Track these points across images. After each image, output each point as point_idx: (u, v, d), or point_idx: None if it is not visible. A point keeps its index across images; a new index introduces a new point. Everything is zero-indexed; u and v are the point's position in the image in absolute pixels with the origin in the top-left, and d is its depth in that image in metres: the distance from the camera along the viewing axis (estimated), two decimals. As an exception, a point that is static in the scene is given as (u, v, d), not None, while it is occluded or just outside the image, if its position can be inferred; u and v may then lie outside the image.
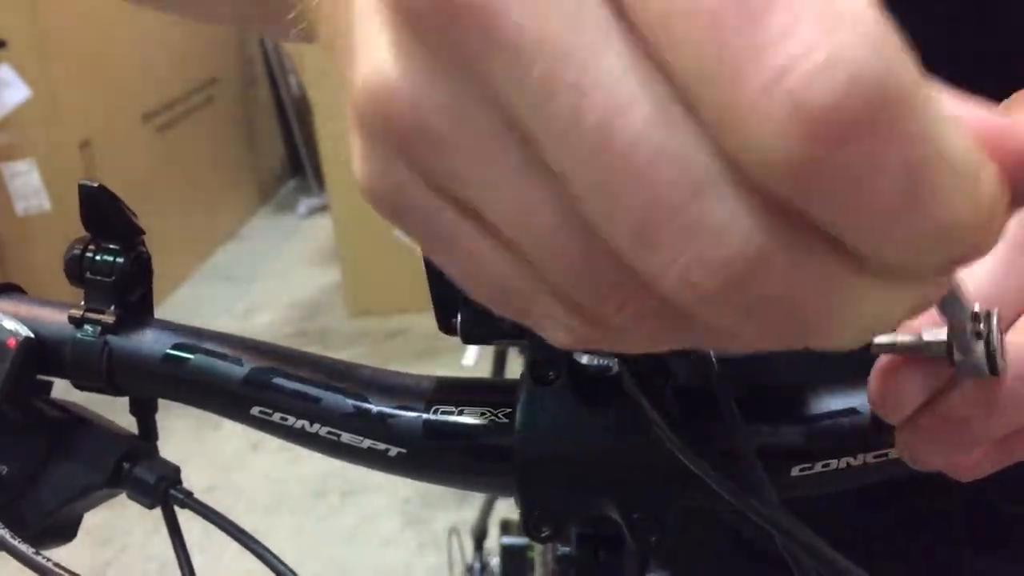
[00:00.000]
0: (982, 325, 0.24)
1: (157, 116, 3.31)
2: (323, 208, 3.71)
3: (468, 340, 0.34)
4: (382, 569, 1.97)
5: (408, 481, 0.35)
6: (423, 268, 0.29)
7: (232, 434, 2.22)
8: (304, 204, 3.94)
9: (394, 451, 0.34)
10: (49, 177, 2.74)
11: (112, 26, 3.04)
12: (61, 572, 0.33)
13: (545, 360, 0.32)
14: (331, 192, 3.12)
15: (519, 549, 1.11)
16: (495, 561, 1.35)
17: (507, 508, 1.42)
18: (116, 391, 0.36)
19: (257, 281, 3.40)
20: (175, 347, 0.35)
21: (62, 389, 0.39)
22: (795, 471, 0.32)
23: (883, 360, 0.27)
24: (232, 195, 3.84)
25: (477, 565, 1.39)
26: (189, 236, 3.35)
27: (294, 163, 4.18)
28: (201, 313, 2.91)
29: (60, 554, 0.36)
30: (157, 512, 0.38)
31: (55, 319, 0.36)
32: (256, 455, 2.29)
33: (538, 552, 1.00)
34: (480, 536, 1.40)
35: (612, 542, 0.37)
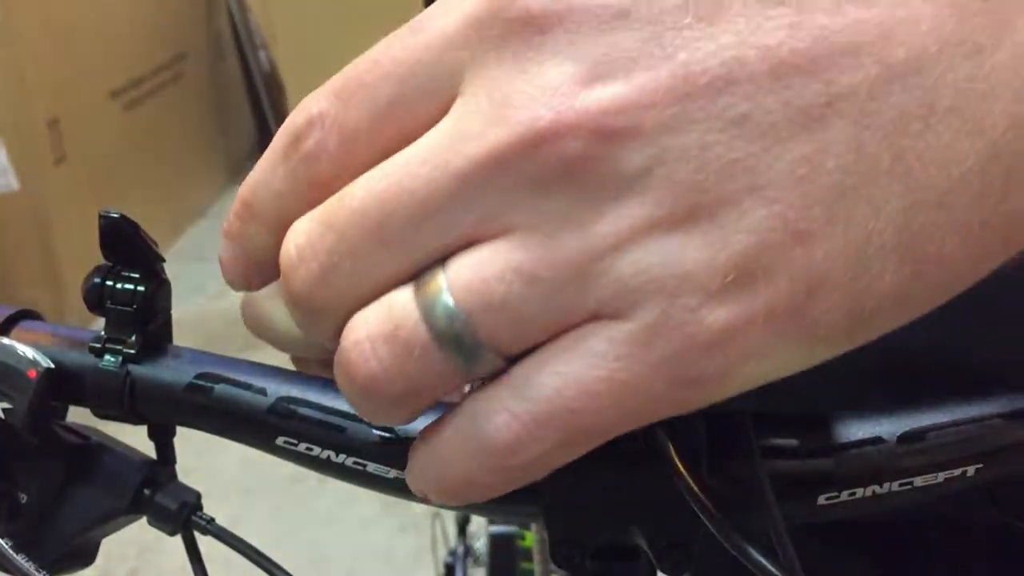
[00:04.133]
0: None
1: (125, 93, 3.27)
2: (295, 186, 3.69)
3: None
4: (362, 552, 1.98)
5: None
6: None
7: (208, 417, 2.21)
8: (275, 181, 3.92)
9: (420, 479, 0.34)
10: (16, 156, 2.70)
11: (78, 2, 3.00)
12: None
13: None
14: (303, 170, 3.09)
15: (507, 538, 1.12)
16: (479, 544, 1.36)
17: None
18: (138, 420, 0.36)
19: (229, 260, 3.38)
20: (198, 376, 0.35)
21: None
22: (822, 499, 0.32)
23: None
24: (202, 172, 3.80)
25: (461, 549, 1.40)
26: (158, 215, 3.32)
27: (264, 140, 4.14)
28: (174, 294, 2.88)
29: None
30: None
31: (75, 348, 0.35)
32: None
33: (535, 541, 1.01)
34: (464, 520, 1.41)
35: (627, 555, 0.37)
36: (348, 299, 0.23)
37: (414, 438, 0.34)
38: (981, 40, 0.20)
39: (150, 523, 0.37)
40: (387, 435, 0.33)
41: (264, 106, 4.00)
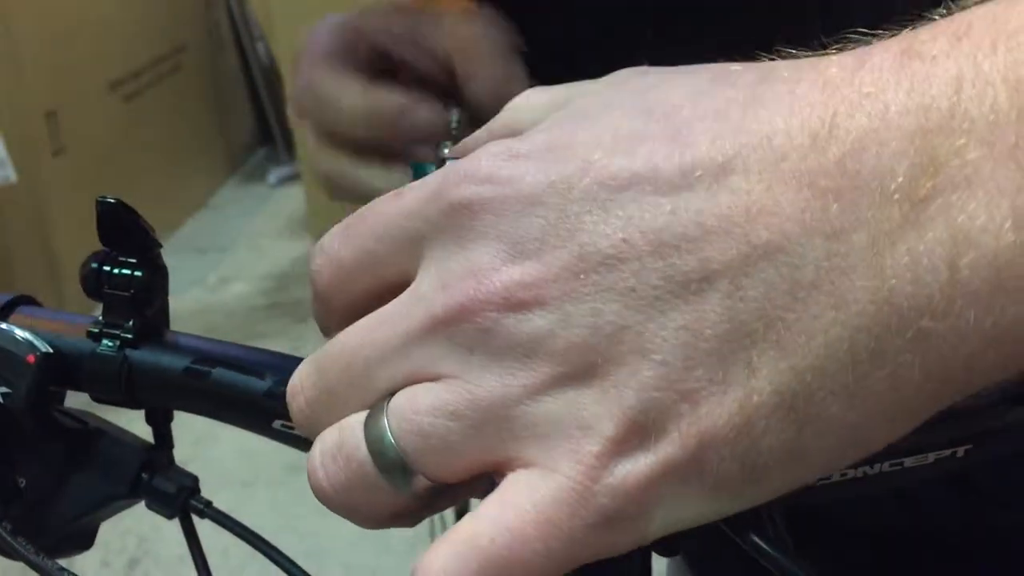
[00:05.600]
0: None
1: (124, 85, 3.27)
2: (294, 177, 3.68)
3: None
4: (360, 542, 1.99)
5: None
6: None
7: (207, 408, 2.22)
8: (274, 173, 3.91)
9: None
10: (14, 147, 2.70)
11: (77, -7, 2.99)
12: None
13: None
14: (302, 161, 3.10)
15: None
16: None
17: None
18: (136, 404, 0.36)
19: (228, 252, 3.38)
20: (196, 360, 0.35)
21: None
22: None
23: None
24: (201, 164, 3.80)
25: (459, 539, 1.40)
26: (157, 206, 3.32)
27: (263, 131, 4.14)
28: (172, 285, 2.88)
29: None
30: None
31: (73, 333, 0.36)
32: (229, 429, 2.28)
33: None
34: (462, 510, 1.41)
35: None
36: (328, 423, 0.27)
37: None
38: (839, 223, 0.23)
39: (148, 507, 0.38)
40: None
41: (262, 97, 4.00)
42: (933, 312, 0.22)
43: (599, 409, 0.24)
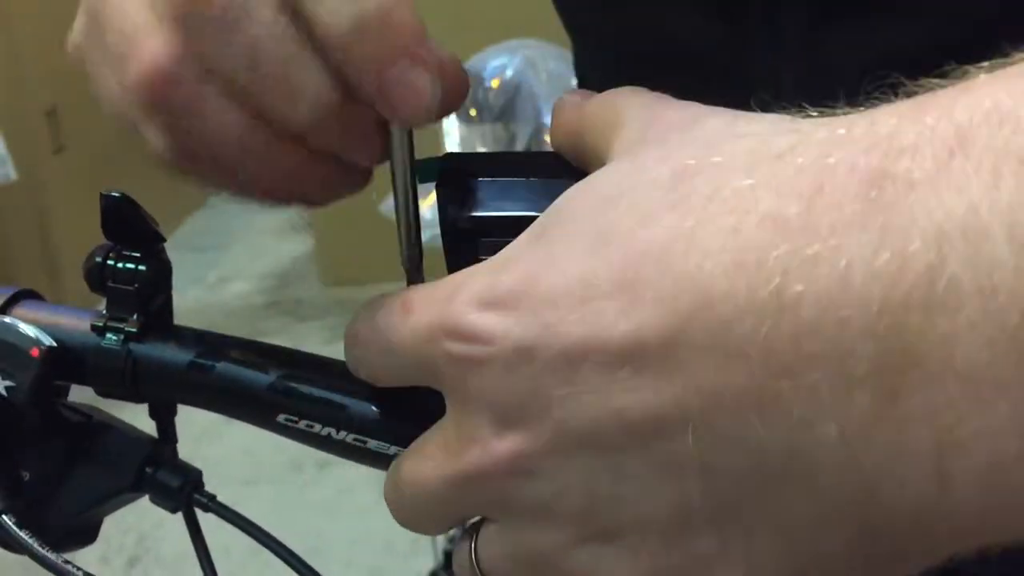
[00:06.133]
0: None
1: (124, 83, 3.27)
2: (293, 176, 3.68)
3: None
4: (362, 539, 1.99)
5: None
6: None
7: (207, 406, 2.22)
8: (274, 172, 3.91)
9: (420, 456, 0.34)
10: (15, 145, 2.70)
11: (77, -9, 2.99)
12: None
13: None
14: (302, 160, 3.09)
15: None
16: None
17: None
18: (140, 399, 0.36)
19: (227, 250, 3.38)
20: (200, 355, 0.35)
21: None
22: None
23: None
24: (200, 163, 3.79)
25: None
26: (156, 205, 3.28)
27: (263, 130, 4.13)
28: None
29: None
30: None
31: (77, 327, 0.36)
32: (230, 427, 2.29)
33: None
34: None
35: None
36: (422, 531, 0.30)
37: (415, 417, 0.34)
38: (798, 413, 0.21)
39: (152, 501, 0.38)
40: (388, 412, 0.34)
41: (262, 96, 3.99)
42: (922, 513, 0.21)
43: (623, 566, 0.25)
